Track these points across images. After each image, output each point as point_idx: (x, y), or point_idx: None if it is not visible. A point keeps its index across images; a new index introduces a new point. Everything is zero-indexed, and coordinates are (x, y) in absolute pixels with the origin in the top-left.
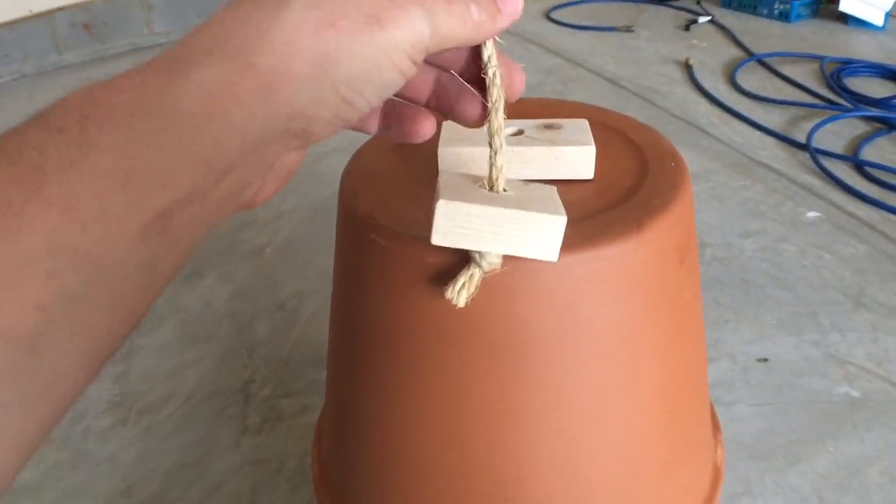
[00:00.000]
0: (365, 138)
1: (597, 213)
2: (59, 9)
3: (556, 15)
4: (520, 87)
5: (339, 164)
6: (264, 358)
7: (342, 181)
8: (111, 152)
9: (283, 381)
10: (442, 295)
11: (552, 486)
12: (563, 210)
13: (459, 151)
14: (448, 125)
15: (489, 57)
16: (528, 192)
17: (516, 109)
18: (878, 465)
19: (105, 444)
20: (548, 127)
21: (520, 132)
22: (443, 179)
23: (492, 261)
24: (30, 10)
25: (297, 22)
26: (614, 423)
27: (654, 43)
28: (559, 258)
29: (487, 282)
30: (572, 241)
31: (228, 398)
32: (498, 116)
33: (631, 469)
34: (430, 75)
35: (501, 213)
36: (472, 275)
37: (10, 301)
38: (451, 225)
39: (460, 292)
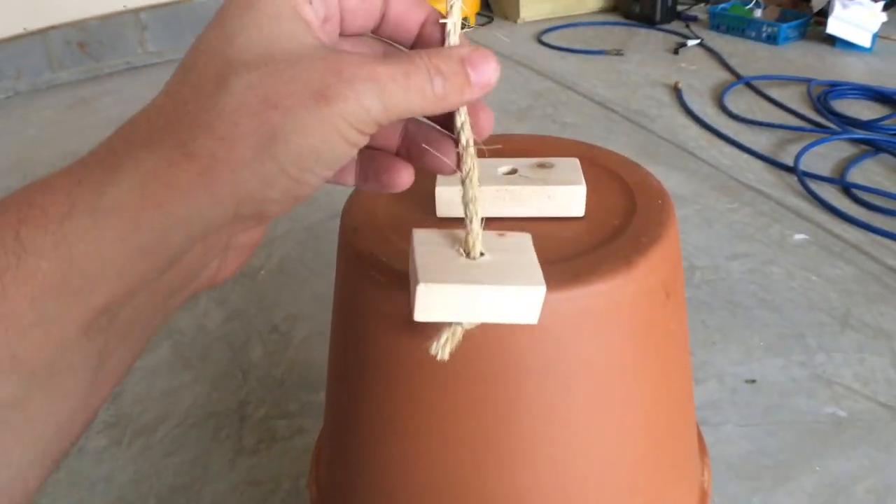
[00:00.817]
0: None
1: (587, 250)
2: (54, 27)
3: (547, 38)
4: (487, 128)
5: (332, 187)
6: (259, 380)
7: (342, 218)
8: (46, 256)
9: (278, 402)
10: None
11: None
12: (540, 277)
13: (457, 191)
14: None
15: (461, 125)
16: (507, 255)
17: (511, 147)
18: (865, 483)
19: (100, 465)
20: (541, 166)
21: (513, 171)
22: (419, 255)
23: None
24: (24, 28)
25: (237, 106)
26: (603, 452)
27: (643, 66)
28: (552, 294)
29: None
30: (563, 278)
31: (223, 419)
32: (473, 186)
33: (620, 496)
34: (397, 125)
35: (479, 289)
36: (454, 331)
37: None
38: (432, 304)
39: (444, 347)
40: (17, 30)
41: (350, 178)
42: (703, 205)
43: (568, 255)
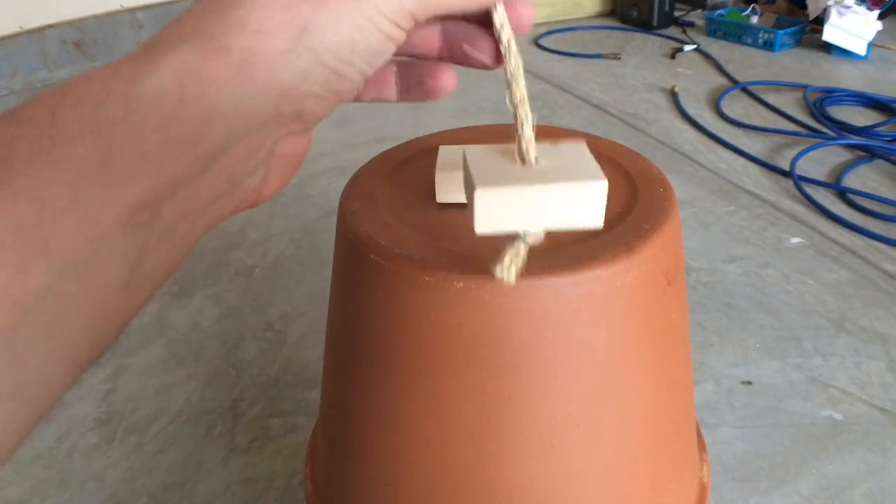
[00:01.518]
0: (361, 161)
1: (589, 236)
2: (50, 26)
3: (544, 42)
4: (528, 22)
5: (328, 185)
6: (253, 378)
7: (341, 203)
8: (83, 140)
9: (272, 400)
10: (438, 312)
11: (543, 502)
12: (601, 173)
13: (457, 176)
14: (445, 150)
15: (501, 25)
16: (562, 160)
17: (511, 138)
18: (861, 487)
19: (91, 463)
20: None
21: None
22: (472, 161)
23: (537, 234)
24: (20, 27)
25: (268, 1)
26: (604, 440)
27: (640, 70)
28: (553, 279)
29: (483, 301)
30: (565, 263)
31: (216, 417)
32: (520, 85)
33: (620, 485)
34: (436, 27)
35: (542, 190)
36: (517, 250)
37: None
38: (493, 212)
39: (510, 269)
40: (13, 28)
41: (391, 92)
42: (700, 208)
43: (569, 240)
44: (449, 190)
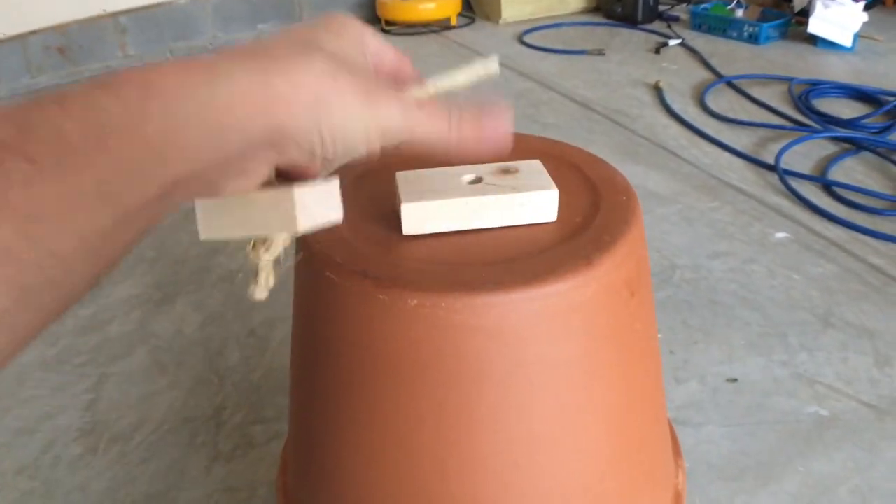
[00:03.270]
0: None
1: (547, 248)
2: (33, 32)
3: (528, 39)
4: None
5: None
6: (235, 384)
7: None
8: (156, 126)
9: (255, 407)
10: (393, 330)
11: None
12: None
13: (423, 206)
14: (403, 177)
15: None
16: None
17: None
18: (849, 484)
19: (76, 473)
20: (505, 171)
21: (478, 179)
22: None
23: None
24: (3, 34)
25: (311, 67)
26: (570, 456)
27: (624, 66)
28: (509, 294)
29: (438, 318)
30: (521, 278)
31: (199, 425)
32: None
33: (588, 499)
34: None
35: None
36: (267, 266)
37: (59, 221)
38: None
39: (264, 286)
40: None
41: None
42: (684, 204)
43: (526, 253)
44: (420, 222)
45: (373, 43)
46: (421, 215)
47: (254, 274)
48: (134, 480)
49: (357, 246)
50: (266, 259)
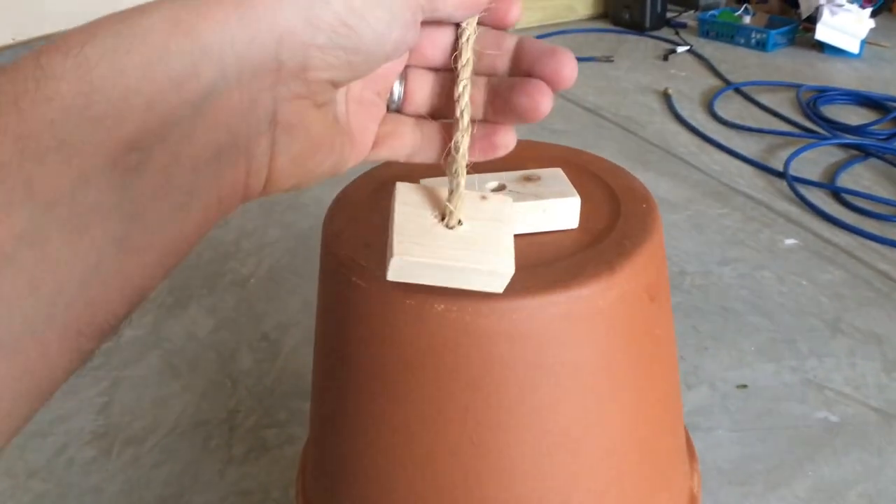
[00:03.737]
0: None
1: (570, 254)
2: (43, 37)
3: None
4: (513, 18)
5: (322, 194)
6: (249, 388)
7: (324, 225)
8: (66, 79)
9: (268, 411)
10: (420, 335)
11: None
12: (509, 253)
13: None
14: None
15: (458, 96)
16: (484, 226)
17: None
18: (857, 488)
19: (89, 476)
20: (527, 179)
21: (502, 187)
22: (398, 219)
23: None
24: (13, 38)
25: None
26: (589, 459)
27: (633, 73)
28: (532, 300)
29: (464, 323)
30: (546, 283)
31: (213, 429)
32: (461, 155)
33: (607, 501)
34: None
35: (449, 265)
36: None
37: None
38: (405, 272)
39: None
40: (6, 40)
41: (404, 146)
42: (694, 210)
43: (549, 259)
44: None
45: None
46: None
47: None
48: (147, 484)
49: (382, 251)
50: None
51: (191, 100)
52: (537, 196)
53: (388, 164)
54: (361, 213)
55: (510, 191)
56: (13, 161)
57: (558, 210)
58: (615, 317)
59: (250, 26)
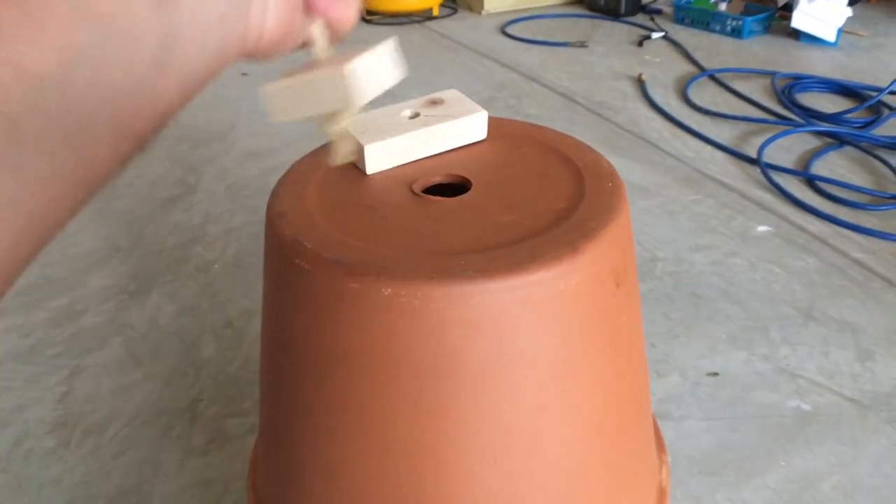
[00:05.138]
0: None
1: (530, 236)
2: None
3: (511, 30)
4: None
5: None
6: (211, 377)
7: (269, 203)
8: None
9: (231, 400)
10: (366, 320)
11: None
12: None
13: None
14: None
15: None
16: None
17: None
18: (831, 479)
19: (49, 467)
20: (433, 103)
21: (416, 114)
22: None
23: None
24: None
25: None
26: (552, 452)
27: (607, 58)
28: (490, 283)
29: (413, 308)
30: (503, 265)
31: (174, 418)
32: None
33: (571, 498)
34: None
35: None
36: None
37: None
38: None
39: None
40: None
41: None
42: (667, 197)
43: (508, 240)
44: (381, 160)
45: None
46: (382, 154)
47: (330, 147)
48: (108, 474)
49: (328, 232)
50: (335, 131)
51: None
52: (451, 116)
53: None
54: (309, 191)
55: (425, 116)
56: None
57: (472, 125)
58: (578, 302)
59: None
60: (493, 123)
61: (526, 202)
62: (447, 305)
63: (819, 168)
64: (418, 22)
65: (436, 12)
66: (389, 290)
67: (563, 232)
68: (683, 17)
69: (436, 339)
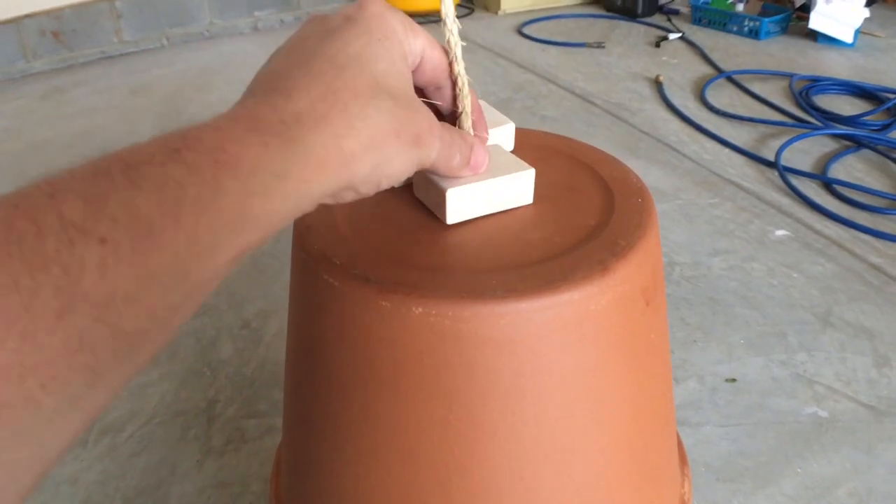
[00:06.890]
0: None
1: (560, 253)
2: (28, 16)
3: (527, 30)
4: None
5: None
6: (229, 377)
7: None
8: (232, 199)
9: (248, 401)
10: (396, 339)
11: None
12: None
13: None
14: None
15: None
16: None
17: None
18: (847, 486)
19: (66, 466)
20: None
21: None
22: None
23: None
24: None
25: (379, 121)
26: (578, 471)
27: (624, 59)
28: (520, 303)
29: (444, 328)
30: (533, 285)
31: (192, 419)
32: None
33: None
34: None
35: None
36: None
37: (134, 304)
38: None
39: None
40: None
41: None
42: (684, 200)
43: (538, 258)
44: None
45: (416, 45)
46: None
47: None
48: (125, 474)
49: (357, 246)
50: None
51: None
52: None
53: None
54: (336, 205)
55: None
56: (183, 256)
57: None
58: (608, 322)
59: (339, 179)
60: (520, 134)
61: (555, 218)
62: (477, 326)
63: (837, 171)
64: (434, 22)
65: None
66: (420, 309)
67: (593, 250)
68: (701, 17)
69: (466, 358)
